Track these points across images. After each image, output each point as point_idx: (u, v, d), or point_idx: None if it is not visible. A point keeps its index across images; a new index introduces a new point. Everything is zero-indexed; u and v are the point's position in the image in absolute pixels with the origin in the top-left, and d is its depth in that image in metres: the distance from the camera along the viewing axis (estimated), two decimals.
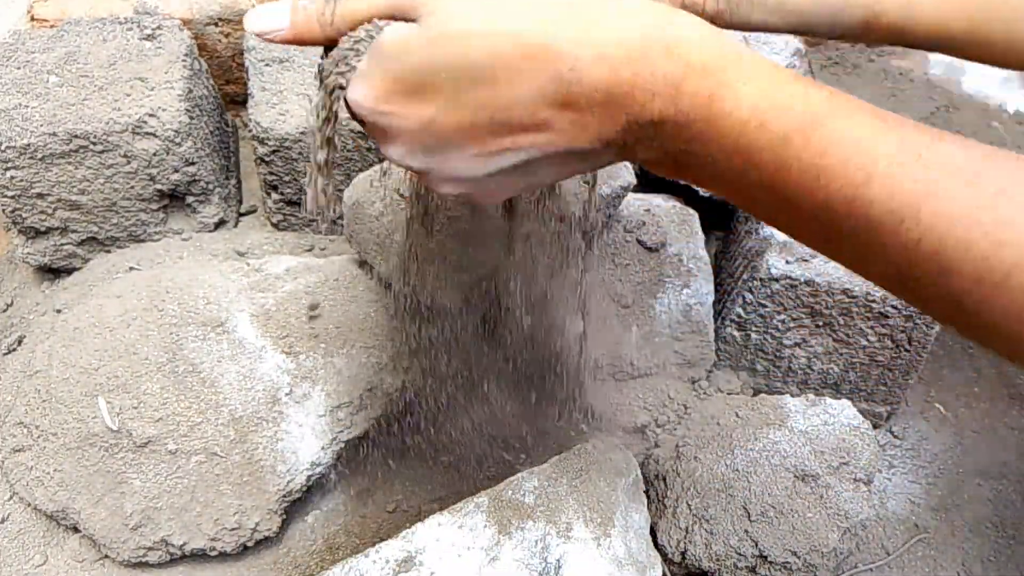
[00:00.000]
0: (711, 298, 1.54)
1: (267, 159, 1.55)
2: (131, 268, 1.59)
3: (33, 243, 1.58)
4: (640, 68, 0.56)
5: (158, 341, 1.28)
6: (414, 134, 0.64)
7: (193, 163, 1.56)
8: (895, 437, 1.66)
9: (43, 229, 1.56)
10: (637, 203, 1.60)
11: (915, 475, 1.61)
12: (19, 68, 1.50)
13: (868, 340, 1.48)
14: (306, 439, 1.29)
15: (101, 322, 1.31)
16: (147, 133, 1.48)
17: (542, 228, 1.11)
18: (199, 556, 1.28)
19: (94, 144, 1.46)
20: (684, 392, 1.55)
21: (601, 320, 1.51)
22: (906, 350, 1.48)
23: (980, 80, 2.38)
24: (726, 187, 0.59)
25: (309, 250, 1.69)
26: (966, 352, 1.80)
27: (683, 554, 1.30)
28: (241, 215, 1.78)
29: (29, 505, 1.31)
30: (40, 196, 1.50)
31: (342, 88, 0.70)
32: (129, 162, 1.50)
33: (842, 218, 0.51)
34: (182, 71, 1.55)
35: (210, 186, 1.64)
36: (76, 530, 1.29)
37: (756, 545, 1.24)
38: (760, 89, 0.56)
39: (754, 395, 1.58)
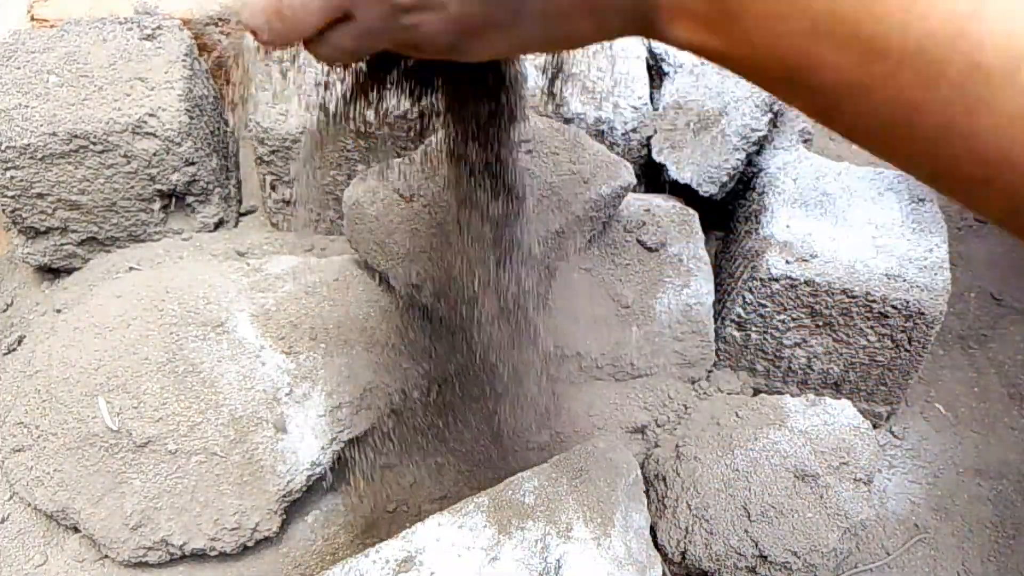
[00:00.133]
0: (711, 298, 1.54)
1: (267, 159, 1.55)
2: (131, 268, 1.59)
3: (33, 243, 1.58)
4: None
5: (158, 341, 1.28)
6: None
7: (193, 163, 1.56)
8: (895, 437, 1.66)
9: (43, 229, 1.56)
10: (637, 203, 1.60)
11: (915, 475, 1.61)
12: (19, 68, 1.50)
13: (868, 340, 1.48)
14: (306, 439, 1.29)
15: (101, 322, 1.31)
16: (147, 133, 1.48)
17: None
18: (199, 556, 1.28)
19: (94, 144, 1.46)
20: (684, 392, 1.55)
21: (601, 320, 1.51)
22: (906, 350, 1.48)
23: None
24: (791, 38, 0.46)
25: (309, 250, 1.69)
26: (966, 352, 1.80)
27: (683, 554, 1.30)
28: (241, 215, 1.78)
29: (29, 505, 1.31)
30: (40, 196, 1.50)
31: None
32: (129, 162, 1.51)
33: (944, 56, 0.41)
34: (182, 71, 1.55)
35: (210, 186, 1.64)
36: (76, 530, 1.29)
37: (756, 545, 1.24)
38: None
39: (754, 395, 1.58)
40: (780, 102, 1.65)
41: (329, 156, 1.57)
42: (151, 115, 1.48)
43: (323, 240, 1.72)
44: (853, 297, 1.42)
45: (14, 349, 1.54)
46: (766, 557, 1.24)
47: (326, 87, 0.83)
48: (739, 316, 1.53)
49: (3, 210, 1.52)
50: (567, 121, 1.59)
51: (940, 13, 0.42)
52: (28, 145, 1.43)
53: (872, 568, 1.48)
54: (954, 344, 1.81)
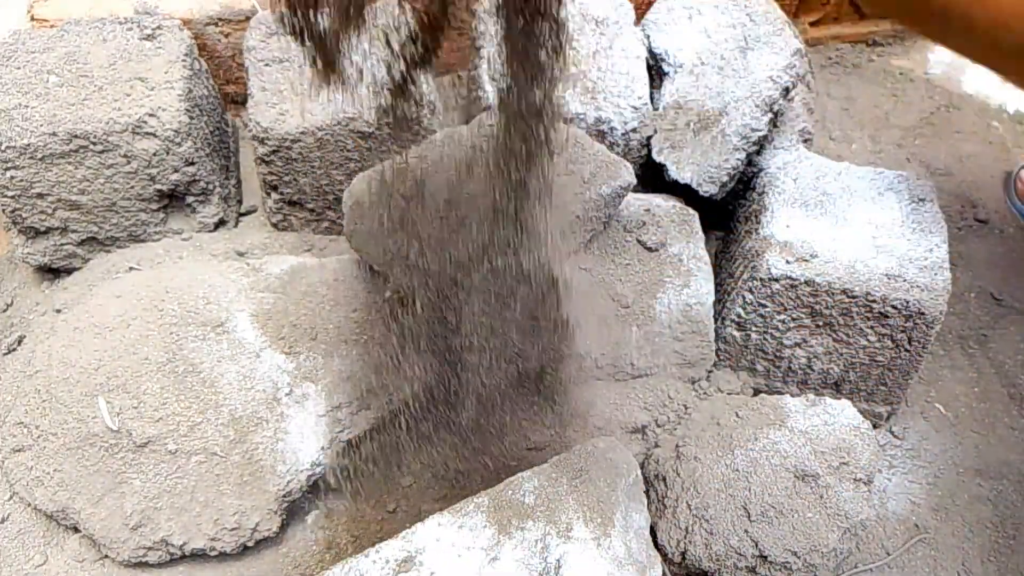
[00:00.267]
0: (711, 298, 1.54)
1: (267, 159, 1.55)
2: (131, 268, 1.59)
3: (33, 243, 1.58)
4: None
5: (158, 341, 1.28)
6: None
7: (193, 163, 1.56)
8: (895, 437, 1.66)
9: (43, 229, 1.56)
10: (637, 203, 1.60)
11: (915, 475, 1.61)
12: (19, 68, 1.50)
13: (868, 340, 1.48)
14: (306, 439, 1.29)
15: (101, 322, 1.32)
16: (147, 133, 1.48)
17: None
18: (199, 556, 1.28)
19: (94, 144, 1.46)
20: (684, 392, 1.55)
21: (601, 320, 1.51)
22: (906, 350, 1.48)
23: (980, 80, 2.38)
24: None
25: (309, 250, 1.69)
26: (966, 352, 1.80)
27: (683, 554, 1.30)
28: (241, 215, 1.78)
29: (29, 505, 1.32)
30: (40, 196, 1.50)
31: None
32: (129, 162, 1.51)
33: None
34: (182, 71, 1.55)
35: (210, 186, 1.64)
36: (76, 530, 1.29)
37: (756, 545, 1.24)
38: None
39: (754, 395, 1.58)
40: (780, 102, 1.65)
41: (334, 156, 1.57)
42: (151, 115, 1.48)
43: (323, 240, 1.72)
44: (853, 297, 1.42)
45: (14, 349, 1.54)
46: (766, 557, 1.24)
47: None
48: (739, 316, 1.53)
49: (3, 210, 1.52)
50: (567, 121, 1.59)
51: None
52: (28, 145, 1.43)
53: (872, 568, 1.48)
54: (954, 344, 1.81)
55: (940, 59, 2.43)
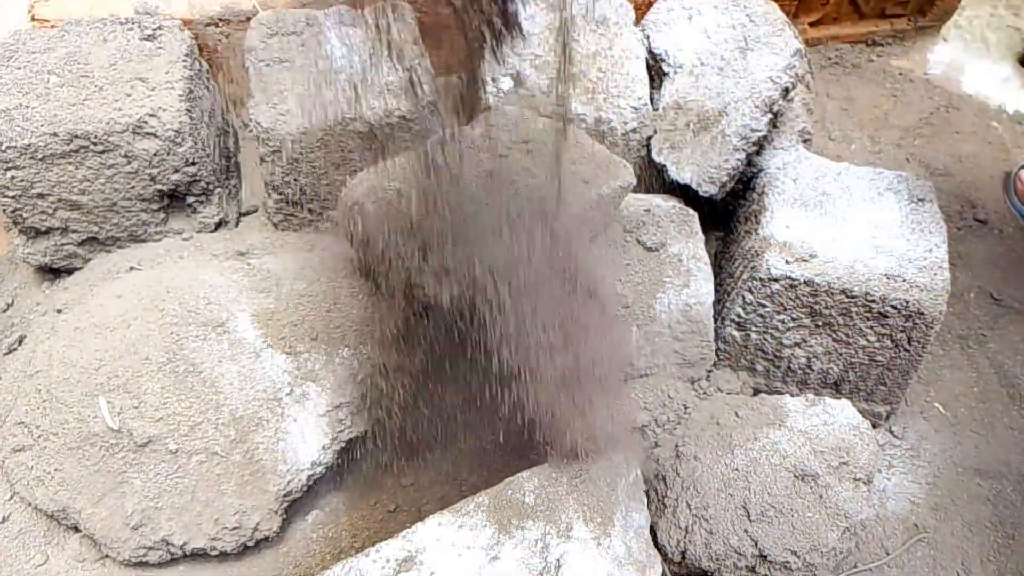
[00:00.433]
0: (711, 298, 1.54)
1: (268, 159, 1.55)
2: (132, 268, 1.59)
3: (34, 243, 1.58)
4: None
5: (159, 341, 1.28)
6: None
7: (194, 163, 1.56)
8: (894, 437, 1.66)
9: (44, 229, 1.56)
10: (637, 203, 1.60)
11: (914, 475, 1.62)
12: (20, 68, 1.50)
13: (867, 340, 1.48)
14: (307, 439, 1.30)
15: (102, 322, 1.32)
16: (148, 133, 1.49)
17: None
18: (199, 556, 1.29)
19: (95, 144, 1.46)
20: (684, 392, 1.55)
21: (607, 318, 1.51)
22: (905, 350, 1.48)
23: (979, 80, 2.39)
24: None
25: (310, 250, 1.69)
26: (966, 352, 1.81)
27: (683, 553, 1.30)
28: (242, 215, 1.78)
29: (30, 505, 1.32)
30: (41, 196, 1.50)
31: None
32: (130, 162, 1.51)
33: None
34: (183, 71, 1.55)
35: (211, 186, 1.64)
36: (77, 530, 1.29)
37: (756, 544, 1.25)
38: None
39: (754, 395, 1.59)
40: (780, 102, 1.66)
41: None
42: (152, 115, 1.48)
43: (324, 240, 1.72)
44: (853, 297, 1.42)
45: (15, 349, 1.54)
46: (766, 556, 1.24)
47: None
48: (739, 316, 1.53)
49: (4, 210, 1.52)
50: (567, 121, 1.59)
51: None
52: (29, 145, 1.43)
53: (872, 568, 1.48)
54: (953, 344, 1.81)
55: (940, 60, 2.43)
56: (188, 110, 1.52)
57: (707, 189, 1.62)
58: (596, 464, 1.26)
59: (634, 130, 1.64)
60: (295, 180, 1.60)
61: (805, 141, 1.75)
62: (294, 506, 1.33)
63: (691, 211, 1.62)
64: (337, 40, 1.62)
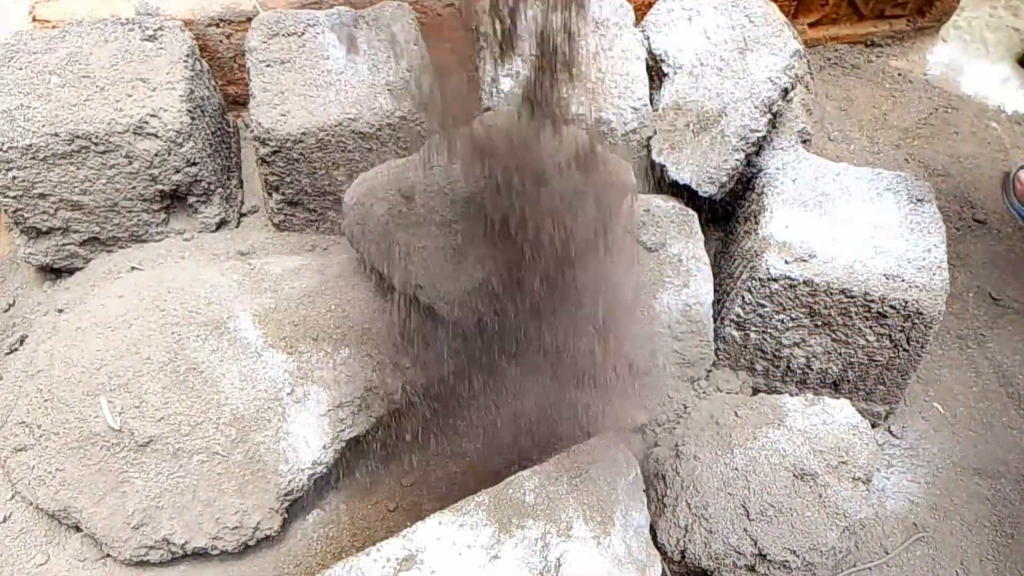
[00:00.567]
0: (710, 298, 1.54)
1: (268, 159, 1.55)
2: (133, 268, 1.59)
3: (35, 243, 1.59)
4: None
5: (160, 341, 1.29)
6: None
7: (195, 163, 1.57)
8: (894, 436, 1.67)
9: (45, 229, 1.56)
10: (637, 203, 1.60)
11: (914, 474, 1.62)
12: (21, 69, 1.50)
13: (867, 340, 1.49)
14: (308, 438, 1.30)
15: (103, 322, 1.32)
16: (149, 134, 1.49)
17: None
18: (200, 555, 1.29)
19: (96, 144, 1.47)
20: (684, 391, 1.56)
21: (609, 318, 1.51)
22: (904, 350, 1.49)
23: (978, 81, 2.39)
24: None
25: (310, 250, 1.70)
26: (964, 352, 1.81)
27: (683, 553, 1.30)
28: (243, 215, 1.79)
29: (31, 504, 1.32)
30: (42, 196, 1.50)
31: None
32: (131, 162, 1.51)
33: None
34: (184, 72, 1.55)
35: (212, 186, 1.64)
36: (78, 529, 1.30)
37: (755, 544, 1.25)
38: None
39: (753, 394, 1.59)
40: (779, 103, 1.66)
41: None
42: (153, 116, 1.48)
43: (324, 240, 1.73)
44: (852, 297, 1.43)
45: (16, 349, 1.55)
46: (765, 556, 1.24)
47: None
48: (738, 316, 1.53)
49: (5, 210, 1.53)
50: (567, 122, 1.59)
51: None
52: (30, 145, 1.43)
53: (871, 567, 1.48)
54: (952, 344, 1.82)
55: (939, 60, 2.44)
56: (189, 110, 1.52)
57: (707, 189, 1.62)
58: (596, 463, 1.26)
59: (634, 131, 1.65)
60: (295, 180, 1.61)
61: (804, 141, 1.75)
62: (295, 505, 1.33)
63: (691, 211, 1.62)
64: (337, 40, 1.62)
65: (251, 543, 1.29)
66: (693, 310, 1.53)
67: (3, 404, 1.38)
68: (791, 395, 1.44)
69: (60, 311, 1.54)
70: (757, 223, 1.55)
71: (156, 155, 1.51)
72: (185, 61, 1.57)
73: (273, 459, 1.27)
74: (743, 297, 1.50)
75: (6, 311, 1.63)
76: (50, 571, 1.28)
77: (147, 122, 1.48)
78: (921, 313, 1.41)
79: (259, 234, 1.72)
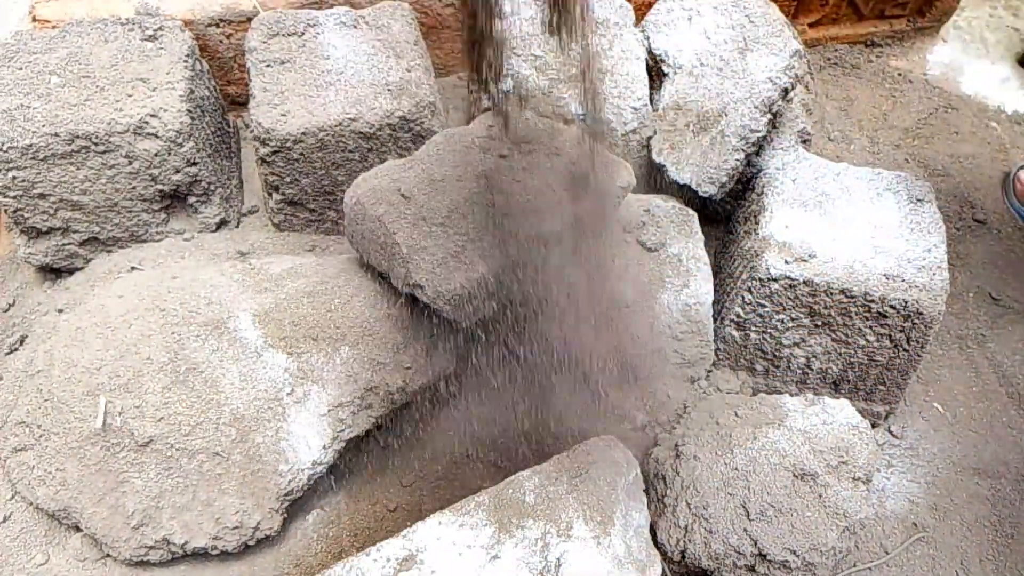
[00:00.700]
0: (710, 298, 1.55)
1: (268, 159, 1.55)
2: (133, 268, 1.59)
3: (35, 243, 1.59)
4: None
5: (160, 341, 1.29)
6: None
7: (195, 163, 1.57)
8: (894, 436, 1.67)
9: (45, 229, 1.56)
10: (637, 203, 1.60)
11: (914, 474, 1.62)
12: (21, 69, 1.50)
13: (867, 340, 1.49)
14: (307, 439, 1.30)
15: (103, 322, 1.32)
16: (149, 134, 1.49)
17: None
18: (200, 555, 1.29)
19: (96, 144, 1.47)
20: (684, 392, 1.56)
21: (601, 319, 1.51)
22: (904, 350, 1.49)
23: (978, 81, 2.39)
24: None
25: (310, 250, 1.70)
26: (964, 352, 1.81)
27: (683, 553, 1.30)
28: (243, 215, 1.79)
29: (31, 504, 1.32)
30: (42, 196, 1.51)
31: None
32: (131, 162, 1.51)
33: None
34: (184, 72, 1.55)
35: (212, 186, 1.64)
36: (78, 529, 1.30)
37: (755, 544, 1.25)
38: None
39: (753, 394, 1.59)
40: (779, 103, 1.66)
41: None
42: (153, 116, 1.48)
43: (324, 240, 1.73)
44: (852, 297, 1.43)
45: (16, 349, 1.55)
46: (765, 555, 1.25)
47: None
48: (738, 316, 1.53)
49: (5, 210, 1.53)
50: (567, 122, 1.59)
51: None
52: (30, 146, 1.43)
53: (871, 567, 1.48)
54: (952, 344, 1.82)
55: (939, 60, 2.44)
56: (189, 111, 1.52)
57: (707, 189, 1.62)
58: (596, 463, 1.26)
59: (634, 131, 1.65)
60: (295, 180, 1.61)
61: (804, 142, 1.75)
62: (295, 505, 1.33)
63: (691, 211, 1.62)
64: (338, 40, 1.62)
65: (251, 543, 1.29)
66: (693, 310, 1.53)
67: (3, 404, 1.38)
68: (791, 395, 1.44)
69: (60, 311, 1.55)
70: (757, 223, 1.56)
71: (156, 155, 1.51)
72: (185, 61, 1.57)
73: (273, 459, 1.27)
74: (743, 297, 1.50)
75: (6, 311, 1.63)
76: (50, 571, 1.28)
77: (147, 122, 1.48)
78: (921, 313, 1.41)
79: (259, 234, 1.72)
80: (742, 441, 1.33)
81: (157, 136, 1.49)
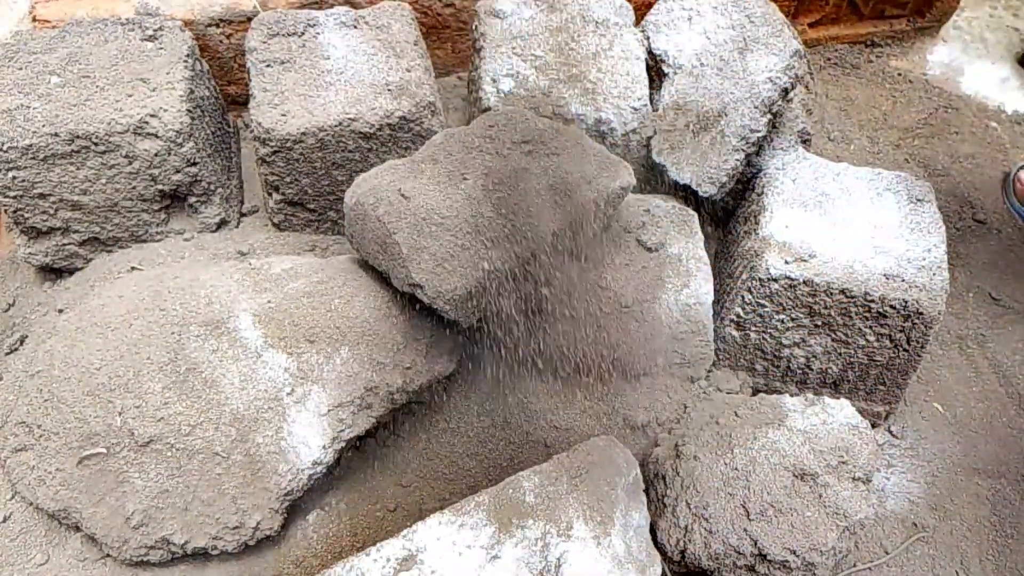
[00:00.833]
0: (710, 298, 1.55)
1: (268, 159, 1.55)
2: (133, 268, 1.59)
3: (35, 243, 1.59)
4: None
5: (160, 341, 1.29)
6: None
7: (195, 163, 1.57)
8: (894, 436, 1.67)
9: (45, 229, 1.56)
10: (637, 203, 1.60)
11: (914, 474, 1.62)
12: (21, 69, 1.50)
13: (867, 340, 1.49)
14: (307, 439, 1.30)
15: (103, 322, 1.32)
16: (149, 134, 1.49)
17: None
18: (200, 555, 1.29)
19: (96, 144, 1.47)
20: (684, 392, 1.56)
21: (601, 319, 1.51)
22: (904, 350, 1.49)
23: (978, 81, 2.39)
24: None
25: (310, 250, 1.70)
26: (964, 352, 1.81)
27: (683, 553, 1.30)
28: (243, 215, 1.79)
29: (31, 504, 1.32)
30: (42, 196, 1.51)
31: None
32: (131, 162, 1.51)
33: None
34: (184, 72, 1.55)
35: (212, 186, 1.64)
36: (78, 529, 1.30)
37: (755, 544, 1.25)
38: None
39: (753, 394, 1.59)
40: (779, 103, 1.66)
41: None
42: (153, 116, 1.48)
43: (324, 240, 1.73)
44: (852, 297, 1.43)
45: (16, 349, 1.55)
46: (765, 555, 1.25)
47: None
48: (738, 316, 1.53)
49: (5, 210, 1.53)
50: (567, 122, 1.59)
51: None
52: (30, 146, 1.43)
53: (871, 567, 1.48)
54: (952, 344, 1.82)
55: (938, 60, 2.44)
56: (189, 111, 1.52)
57: (707, 189, 1.62)
58: (596, 463, 1.26)
59: (634, 131, 1.65)
60: (295, 180, 1.61)
61: (804, 142, 1.75)
62: (295, 505, 1.33)
63: (691, 211, 1.62)
64: (338, 40, 1.62)
65: (251, 543, 1.29)
66: (693, 310, 1.53)
67: (3, 404, 1.38)
68: (791, 395, 1.44)
69: (60, 311, 1.55)
70: (757, 223, 1.56)
71: (156, 155, 1.51)
72: (185, 61, 1.57)
73: (273, 459, 1.27)
74: (743, 297, 1.50)
75: (6, 311, 1.63)
76: (50, 571, 1.28)
77: (147, 122, 1.48)
78: (921, 313, 1.41)
79: (259, 234, 1.72)
80: (742, 441, 1.33)
81: (157, 136, 1.49)
